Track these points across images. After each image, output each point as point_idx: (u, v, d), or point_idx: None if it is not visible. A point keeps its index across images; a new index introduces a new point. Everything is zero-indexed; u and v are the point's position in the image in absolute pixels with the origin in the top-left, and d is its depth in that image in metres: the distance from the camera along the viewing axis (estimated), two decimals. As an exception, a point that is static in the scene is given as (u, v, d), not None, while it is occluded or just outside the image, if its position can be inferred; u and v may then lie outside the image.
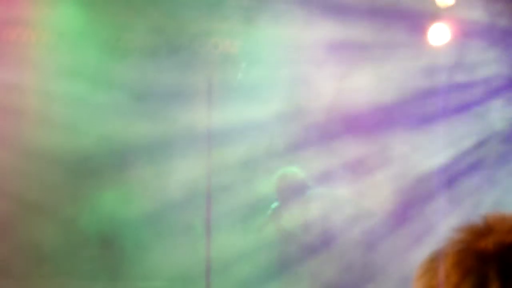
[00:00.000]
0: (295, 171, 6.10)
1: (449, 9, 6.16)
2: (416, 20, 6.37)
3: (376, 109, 6.35)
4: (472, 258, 1.07)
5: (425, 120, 6.44)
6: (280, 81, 6.36)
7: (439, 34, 6.31)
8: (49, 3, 6.21)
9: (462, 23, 6.28)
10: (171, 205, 6.19)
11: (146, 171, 6.30)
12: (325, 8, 6.15)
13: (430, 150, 6.41)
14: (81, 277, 6.21)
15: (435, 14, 6.29)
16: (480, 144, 6.46)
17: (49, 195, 6.18)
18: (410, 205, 6.34)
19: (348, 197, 6.20)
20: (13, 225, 6.13)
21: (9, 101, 6.02)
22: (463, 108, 6.36)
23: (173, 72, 6.22)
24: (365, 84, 6.31)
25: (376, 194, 6.24)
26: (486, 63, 6.29)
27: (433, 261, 1.12)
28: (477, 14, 6.12)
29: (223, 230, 6.06)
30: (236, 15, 6.55)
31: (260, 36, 6.52)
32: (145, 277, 6.35)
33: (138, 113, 6.20)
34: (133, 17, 6.31)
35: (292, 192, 5.96)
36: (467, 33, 6.31)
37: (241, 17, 6.54)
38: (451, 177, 6.41)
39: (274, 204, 6.06)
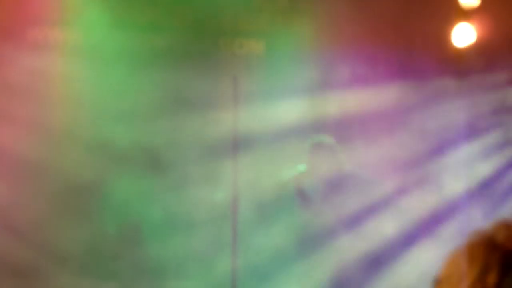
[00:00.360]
0: (327, 139, 6.31)
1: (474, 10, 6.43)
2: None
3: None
4: (481, 248, 1.15)
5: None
6: (302, 81, 6.65)
7: (464, 35, 6.52)
8: (76, 4, 6.58)
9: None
10: (195, 204, 6.46)
11: (171, 171, 6.59)
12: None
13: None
14: (106, 277, 6.54)
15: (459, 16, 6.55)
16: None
17: (74, 194, 6.51)
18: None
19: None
20: (39, 224, 6.46)
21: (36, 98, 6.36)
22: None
23: (200, 72, 6.53)
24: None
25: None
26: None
27: (453, 254, 1.20)
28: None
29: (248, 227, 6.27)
30: (262, 16, 6.89)
31: (285, 36, 6.80)
32: (169, 277, 6.64)
33: (166, 113, 6.50)
34: (159, 18, 6.71)
35: (321, 158, 6.12)
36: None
37: (267, 18, 6.88)
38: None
39: (301, 168, 6.17)
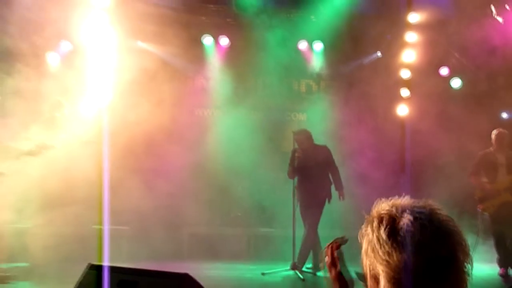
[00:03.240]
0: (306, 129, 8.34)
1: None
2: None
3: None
4: (389, 222, 1.49)
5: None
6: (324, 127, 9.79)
7: (402, 111, 9.74)
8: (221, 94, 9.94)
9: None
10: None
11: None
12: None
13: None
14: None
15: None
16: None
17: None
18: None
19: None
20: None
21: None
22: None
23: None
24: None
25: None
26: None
27: (367, 219, 1.58)
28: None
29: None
30: (304, 100, 10.25)
31: (316, 112, 10.24)
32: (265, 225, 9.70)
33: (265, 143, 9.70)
34: (256, 101, 10.09)
35: (306, 140, 8.18)
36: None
37: (305, 102, 10.32)
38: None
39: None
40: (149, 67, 9.39)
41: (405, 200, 1.53)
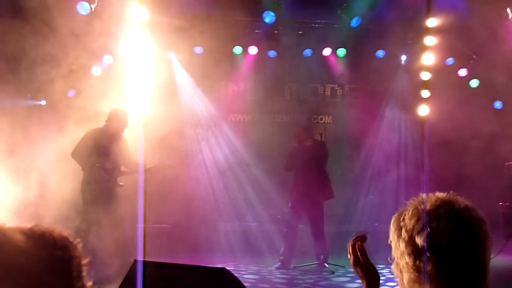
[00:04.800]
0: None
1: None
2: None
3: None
4: (414, 211, 1.48)
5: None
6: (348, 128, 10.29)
7: (423, 110, 10.02)
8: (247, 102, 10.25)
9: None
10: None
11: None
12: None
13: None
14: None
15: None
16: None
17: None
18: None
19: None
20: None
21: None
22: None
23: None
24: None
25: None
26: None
27: (400, 213, 1.53)
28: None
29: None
30: (329, 104, 10.55)
31: (340, 114, 10.54)
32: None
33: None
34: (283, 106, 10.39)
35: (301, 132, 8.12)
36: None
37: (331, 105, 10.59)
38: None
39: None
40: (183, 76, 9.69)
41: (429, 195, 1.52)
